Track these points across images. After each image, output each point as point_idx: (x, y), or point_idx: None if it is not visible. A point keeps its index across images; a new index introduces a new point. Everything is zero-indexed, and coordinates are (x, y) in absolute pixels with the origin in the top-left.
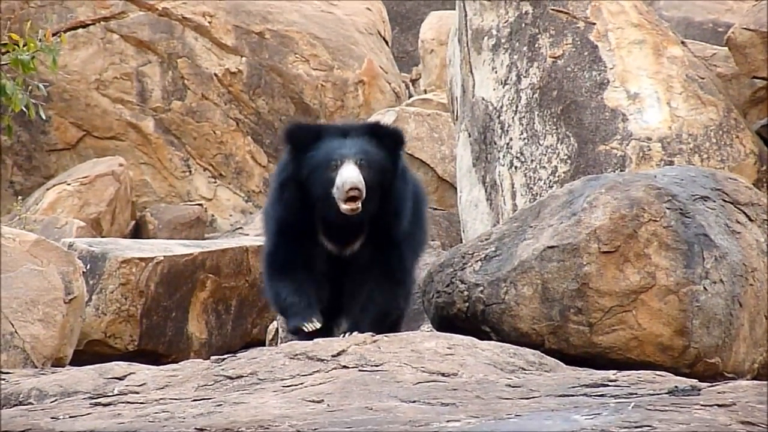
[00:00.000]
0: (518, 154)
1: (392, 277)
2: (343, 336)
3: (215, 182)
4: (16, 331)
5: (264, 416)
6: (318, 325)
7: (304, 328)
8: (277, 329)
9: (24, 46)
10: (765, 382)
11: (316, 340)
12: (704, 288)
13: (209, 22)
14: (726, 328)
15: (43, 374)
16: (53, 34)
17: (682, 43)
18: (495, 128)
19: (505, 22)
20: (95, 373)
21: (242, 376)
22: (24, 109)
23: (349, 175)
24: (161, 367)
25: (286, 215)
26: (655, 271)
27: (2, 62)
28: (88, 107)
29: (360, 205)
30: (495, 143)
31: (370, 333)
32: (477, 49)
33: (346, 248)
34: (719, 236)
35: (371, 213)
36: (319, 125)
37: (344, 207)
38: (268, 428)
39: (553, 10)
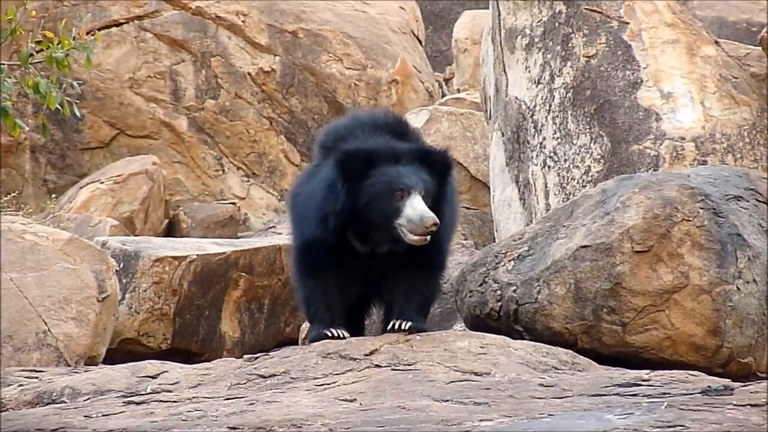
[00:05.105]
0: (551, 154)
1: (431, 263)
2: (392, 325)
3: (248, 181)
4: (49, 330)
5: (296, 415)
6: (345, 336)
7: (328, 334)
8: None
9: (58, 44)
10: None
11: (348, 338)
12: (737, 288)
13: (243, 21)
14: (759, 327)
15: (76, 373)
16: (87, 32)
17: (716, 42)
18: (528, 127)
19: (539, 22)
20: (128, 372)
21: (275, 375)
22: (59, 107)
23: (424, 211)
24: (194, 365)
25: (323, 238)
26: (688, 270)
27: (36, 60)
28: (121, 106)
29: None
30: (528, 143)
31: (414, 324)
32: (510, 48)
33: (377, 249)
34: (752, 236)
35: None
36: (371, 150)
37: (413, 238)
38: (300, 427)
39: (586, 9)
